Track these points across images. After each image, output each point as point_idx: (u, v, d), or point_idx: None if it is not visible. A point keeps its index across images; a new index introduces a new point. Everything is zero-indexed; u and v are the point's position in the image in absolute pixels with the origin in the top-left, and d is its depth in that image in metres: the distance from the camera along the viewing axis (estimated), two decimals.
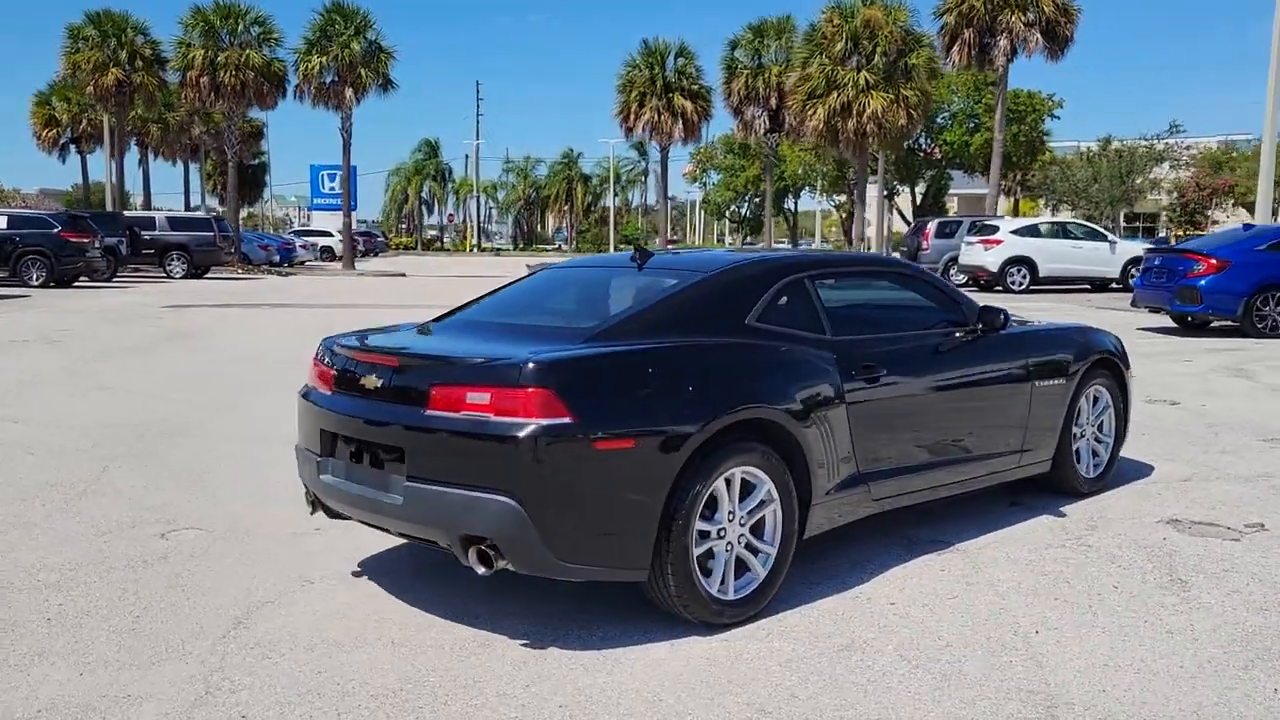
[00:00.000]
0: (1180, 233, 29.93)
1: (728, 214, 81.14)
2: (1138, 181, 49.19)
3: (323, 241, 56.79)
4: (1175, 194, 33.94)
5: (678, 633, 4.09)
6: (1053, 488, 6.02)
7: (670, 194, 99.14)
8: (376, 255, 63.72)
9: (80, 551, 5.11)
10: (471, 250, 79.02)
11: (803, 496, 4.42)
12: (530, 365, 3.79)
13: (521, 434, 3.71)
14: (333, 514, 4.60)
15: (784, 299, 4.69)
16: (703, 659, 3.88)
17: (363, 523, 4.41)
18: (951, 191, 55.04)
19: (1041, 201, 55.22)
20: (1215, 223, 44.23)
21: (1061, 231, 25.11)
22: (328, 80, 39.15)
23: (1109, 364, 6.21)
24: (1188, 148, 51.42)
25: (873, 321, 5.13)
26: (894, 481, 4.87)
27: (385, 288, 29.98)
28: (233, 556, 5.07)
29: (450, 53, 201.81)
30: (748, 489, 4.22)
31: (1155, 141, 50.06)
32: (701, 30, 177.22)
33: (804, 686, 3.64)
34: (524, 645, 3.99)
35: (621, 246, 77.05)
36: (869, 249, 35.22)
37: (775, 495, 4.28)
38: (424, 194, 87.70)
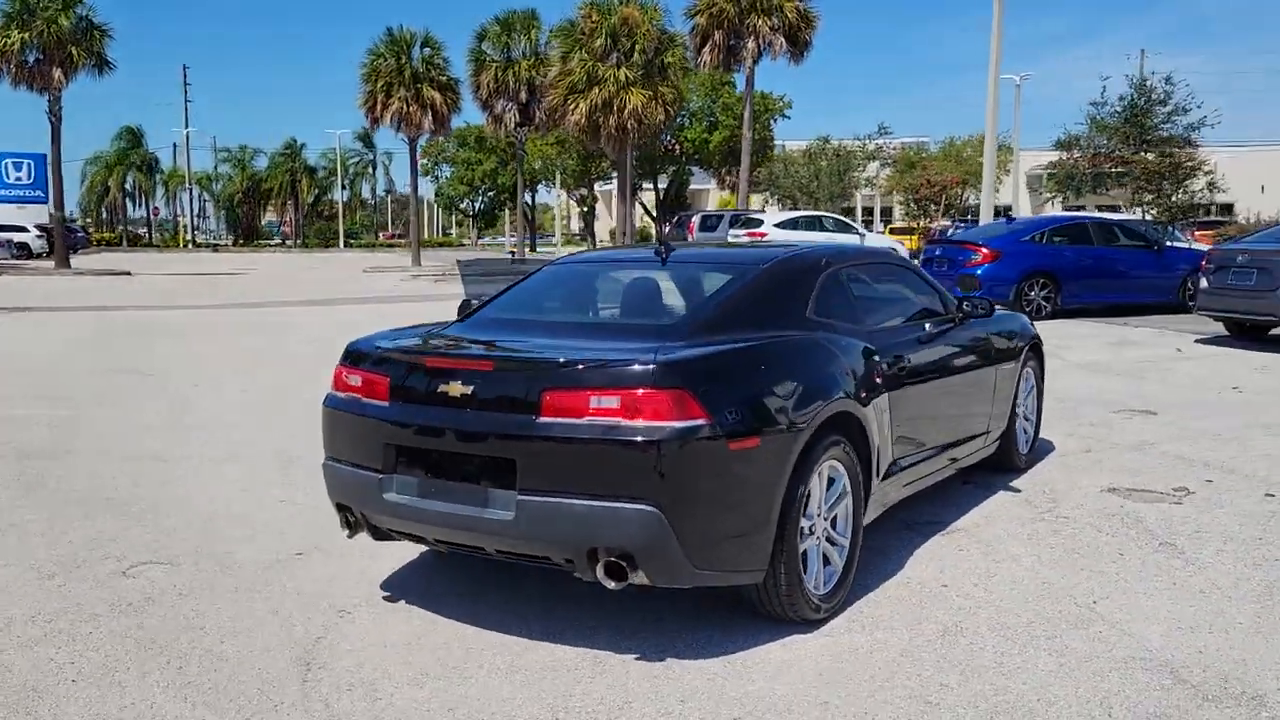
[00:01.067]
0: (943, 225, 32.60)
1: (461, 207, 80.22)
2: (853, 177, 53.00)
3: (17, 237, 51.08)
4: (910, 190, 36.92)
5: (775, 633, 4.03)
6: (991, 465, 6.39)
7: (392, 186, 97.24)
8: (77, 251, 58.02)
9: (41, 600, 4.39)
10: (186, 246, 73.63)
11: (866, 487, 4.48)
12: (664, 365, 3.62)
13: (662, 438, 3.53)
14: (381, 535, 4.20)
15: (829, 291, 4.73)
16: (826, 655, 3.84)
17: (442, 544, 4.05)
18: (692, 186, 57.14)
19: (765, 196, 58.36)
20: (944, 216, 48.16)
21: (818, 224, 26.64)
22: (30, 59, 35.24)
23: (1036, 348, 6.69)
24: (895, 148, 55.89)
25: (886, 312, 5.26)
26: (915, 468, 5.02)
27: (126, 288, 27.43)
28: (228, 590, 4.52)
29: (153, 34, 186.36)
30: (830, 483, 4.22)
31: (866, 141, 54.12)
32: (447, 21, 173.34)
33: (944, 674, 3.69)
34: (639, 659, 3.81)
35: (351, 241, 74.31)
36: (624, 243, 35.88)
37: (849, 488, 4.31)
38: (127, 185, 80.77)
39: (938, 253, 16.68)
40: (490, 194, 74.08)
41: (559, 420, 3.62)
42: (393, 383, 4.03)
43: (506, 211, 78.07)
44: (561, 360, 3.75)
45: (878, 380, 4.57)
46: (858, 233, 26.96)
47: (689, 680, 3.63)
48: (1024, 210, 39.19)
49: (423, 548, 4.91)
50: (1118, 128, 36.40)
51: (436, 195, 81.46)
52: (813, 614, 4.07)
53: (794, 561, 3.93)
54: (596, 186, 62.28)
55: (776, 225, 25.81)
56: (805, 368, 4.13)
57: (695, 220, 29.41)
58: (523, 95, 38.79)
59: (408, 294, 24.59)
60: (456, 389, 3.82)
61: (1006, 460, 6.38)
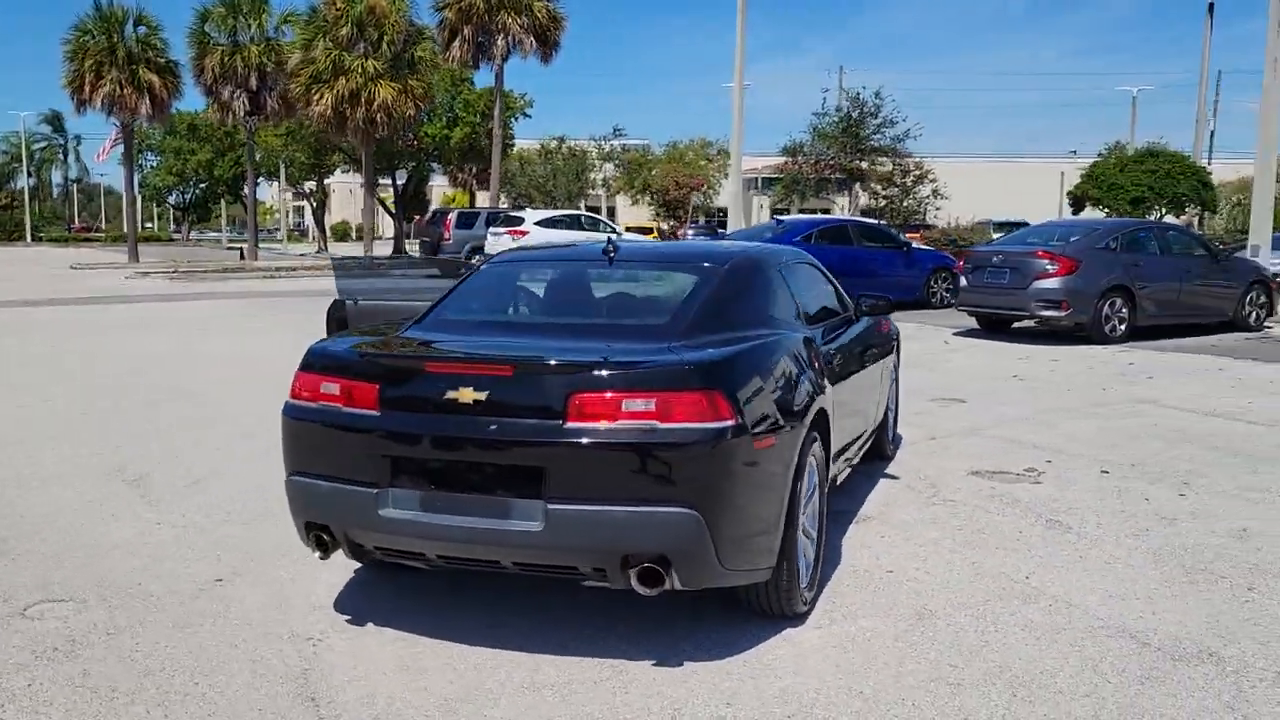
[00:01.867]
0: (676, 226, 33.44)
1: (169, 200, 74.70)
2: (589, 177, 54.00)
3: None
4: (658, 190, 37.67)
5: (767, 629, 4.09)
6: (867, 454, 6.75)
7: (84, 174, 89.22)
8: None
9: None
10: None
11: (828, 480, 4.63)
12: (697, 366, 3.60)
13: (697, 439, 3.51)
14: (362, 554, 3.92)
15: (778, 290, 4.83)
16: (830, 647, 3.95)
17: (447, 560, 3.80)
18: (432, 183, 55.97)
19: (501, 194, 58.28)
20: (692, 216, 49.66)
21: (576, 223, 26.92)
22: None
23: (899, 343, 7.13)
24: (624, 150, 57.36)
25: (814, 309, 5.42)
26: (842, 460, 5.24)
27: None
28: (164, 626, 4.07)
29: None
30: (809, 477, 4.33)
31: (602, 142, 55.27)
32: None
33: (946, 655, 3.88)
34: (658, 665, 3.76)
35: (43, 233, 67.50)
36: (365, 239, 34.73)
37: (818, 479, 4.45)
38: None
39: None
40: (203, 186, 69.40)
41: (588, 425, 3.52)
42: (384, 390, 3.76)
43: (224, 205, 73.52)
44: (590, 362, 3.63)
45: (829, 374, 4.74)
46: (613, 231, 27.46)
47: (719, 682, 3.63)
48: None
49: (353, 564, 4.64)
50: (836, 137, 39.19)
51: (141, 186, 75.42)
52: (802, 607, 4.17)
53: (794, 556, 4.01)
54: (327, 181, 59.82)
55: (537, 224, 25.86)
56: (797, 365, 4.23)
57: (452, 218, 28.94)
58: (253, 82, 36.59)
59: (150, 293, 22.69)
60: (468, 395, 3.62)
61: (879, 449, 6.75)
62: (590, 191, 54.77)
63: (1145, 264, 13.94)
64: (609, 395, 3.53)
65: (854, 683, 3.64)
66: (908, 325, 15.91)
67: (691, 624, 4.12)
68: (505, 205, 54.05)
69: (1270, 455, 7.18)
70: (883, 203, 28.61)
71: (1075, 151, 68.17)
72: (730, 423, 3.57)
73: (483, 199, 62.87)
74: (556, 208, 50.40)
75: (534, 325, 4.42)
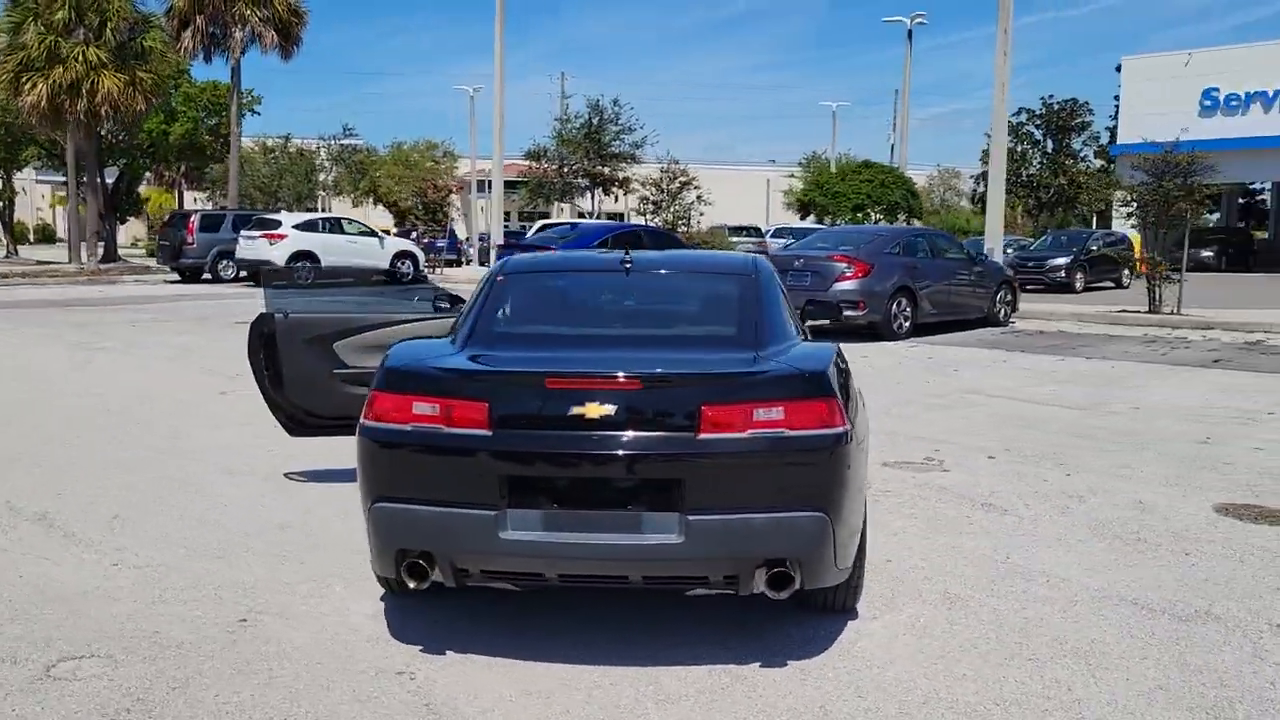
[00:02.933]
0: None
1: None
2: (321, 179, 51.86)
3: None
4: (415, 194, 36.62)
5: (826, 625, 4.28)
6: None
7: None
8: None
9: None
10: None
11: None
12: (818, 375, 3.76)
13: (825, 445, 3.67)
14: (465, 579, 3.77)
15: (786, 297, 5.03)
16: (900, 637, 4.17)
17: (571, 578, 3.75)
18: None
19: (210, 194, 54.88)
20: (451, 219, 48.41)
21: (338, 227, 25.87)
22: None
23: None
24: (355, 150, 55.54)
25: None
26: None
27: None
28: (227, 673, 3.76)
29: None
30: None
31: (331, 142, 53.20)
32: None
33: (1002, 633, 4.23)
34: (765, 667, 3.87)
35: None
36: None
37: None
38: None
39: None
40: None
41: (721, 435, 3.59)
42: (495, 408, 3.64)
43: None
44: (720, 374, 3.71)
45: None
46: (378, 236, 26.63)
47: (835, 677, 3.78)
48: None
49: (376, 593, 4.46)
50: (579, 143, 39.90)
51: None
52: (855, 602, 4.40)
53: (864, 553, 4.24)
54: (16, 178, 53.91)
55: (295, 226, 24.65)
56: (849, 371, 4.45)
57: (195, 220, 26.92)
58: None
59: None
60: (596, 410, 3.59)
61: None
62: (319, 194, 52.58)
63: (922, 266, 15.29)
64: (740, 405, 3.61)
65: (949, 666, 3.90)
66: None
67: (756, 626, 4.23)
68: (219, 207, 51.07)
69: (1107, 437, 8.15)
70: (650, 208, 29.43)
71: (774, 161, 73.28)
72: (844, 428, 3.75)
73: (190, 201, 58.99)
74: (281, 210, 48.22)
75: (608, 338, 4.38)
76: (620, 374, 3.69)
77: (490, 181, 59.29)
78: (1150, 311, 18.09)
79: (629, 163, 39.98)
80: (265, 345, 6.13)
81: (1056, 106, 46.54)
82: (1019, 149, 48.17)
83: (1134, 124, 43.61)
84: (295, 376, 6.09)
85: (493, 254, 27.02)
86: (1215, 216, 47.86)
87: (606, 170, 39.98)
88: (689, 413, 3.60)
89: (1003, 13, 19.45)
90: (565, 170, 40.02)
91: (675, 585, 3.80)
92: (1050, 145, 47.30)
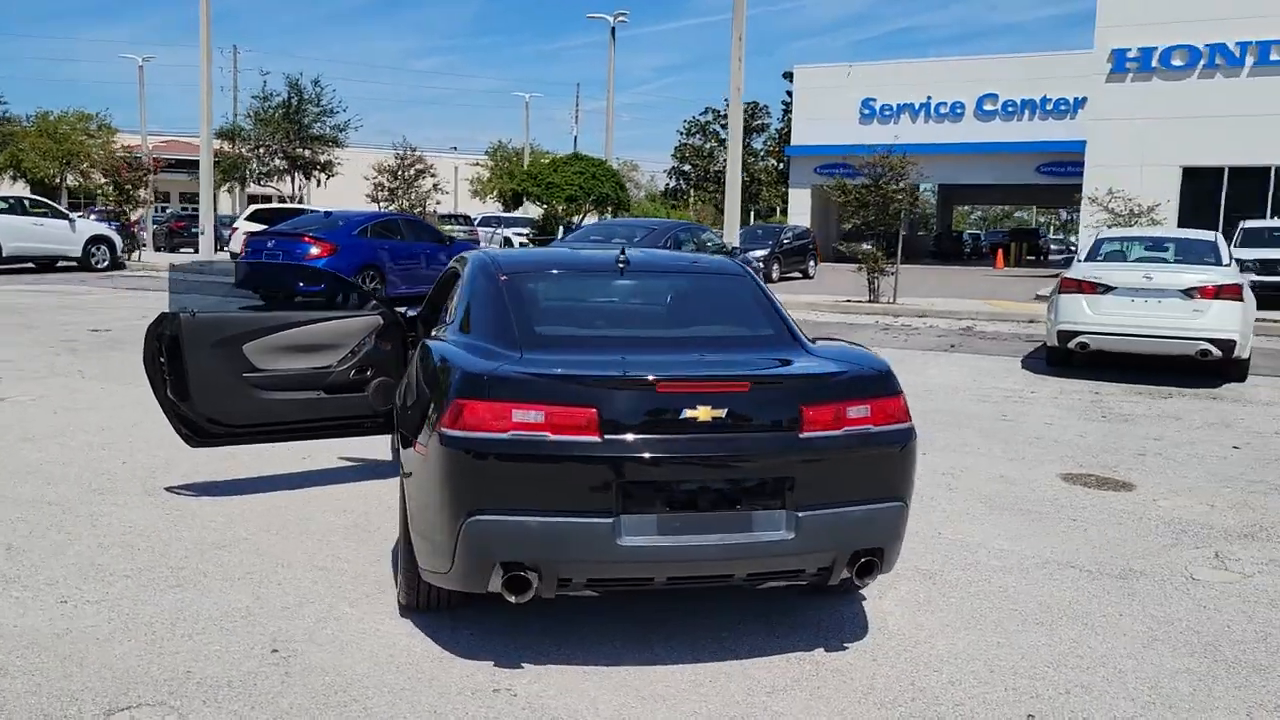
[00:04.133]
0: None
1: None
2: None
3: None
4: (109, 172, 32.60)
5: (843, 603, 4.58)
6: None
7: None
8: None
9: None
10: None
11: None
12: (887, 374, 4.00)
13: (901, 438, 3.93)
14: (565, 589, 3.69)
15: None
16: (925, 610, 4.51)
17: (680, 580, 3.78)
18: None
19: None
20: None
21: (20, 207, 22.97)
22: None
23: None
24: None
25: None
26: None
27: None
28: (309, 710, 3.48)
29: None
30: None
31: None
32: None
33: (1022, 601, 4.70)
34: (829, 652, 4.09)
35: None
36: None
37: None
38: None
39: (270, 245, 16.24)
40: None
41: (819, 434, 3.76)
42: (604, 414, 3.60)
43: None
44: (817, 374, 3.87)
45: None
46: (69, 218, 23.91)
47: (895, 658, 4.04)
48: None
49: (389, 607, 4.28)
50: (280, 123, 37.87)
51: None
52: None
53: None
54: None
55: None
56: None
57: None
58: None
59: None
60: (707, 413, 3.64)
61: None
62: None
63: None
64: (835, 404, 3.80)
65: (981, 635, 4.28)
66: None
67: (784, 615, 4.42)
68: None
69: (929, 417, 9.00)
70: (385, 194, 28.27)
71: (456, 148, 73.21)
72: (912, 422, 4.04)
73: None
74: None
75: (662, 339, 4.42)
76: (729, 376, 3.77)
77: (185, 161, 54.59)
78: (871, 301, 19.87)
79: (332, 146, 38.45)
80: (169, 348, 5.55)
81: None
82: (707, 146, 51.05)
83: (805, 128, 47.61)
84: (202, 382, 5.56)
85: (235, 242, 24.99)
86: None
87: (307, 153, 38.22)
88: (791, 413, 3.75)
89: (737, 17, 20.55)
90: (263, 151, 37.82)
91: (774, 580, 3.92)
92: None
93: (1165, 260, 12.32)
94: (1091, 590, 4.84)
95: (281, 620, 4.20)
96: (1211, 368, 11.34)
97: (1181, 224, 30.28)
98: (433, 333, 4.98)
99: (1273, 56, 32.42)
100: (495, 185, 51.63)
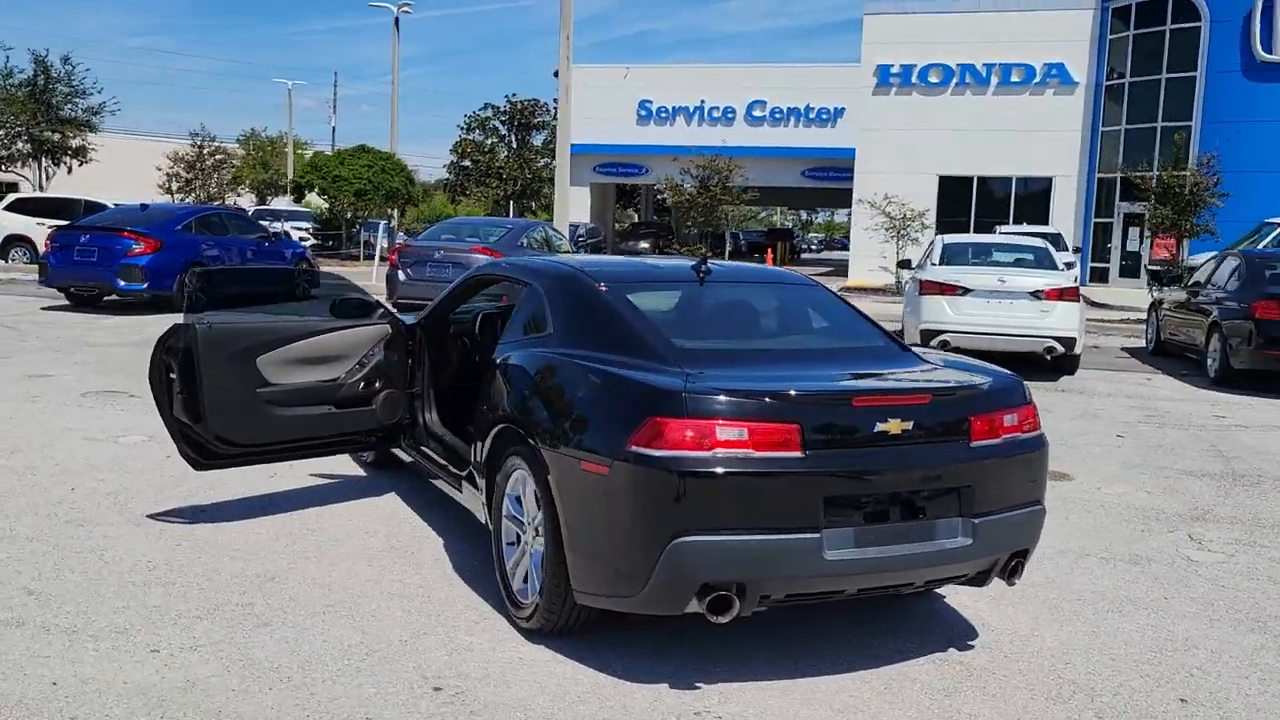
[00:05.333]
0: None
1: None
2: None
3: None
4: None
5: (915, 611, 4.78)
6: None
7: None
8: None
9: None
10: None
11: None
12: (1023, 384, 4.18)
13: (1041, 444, 4.16)
14: (757, 605, 3.65)
15: None
16: (1018, 615, 4.71)
17: (867, 591, 3.83)
18: None
19: None
20: None
21: None
22: None
23: None
24: None
25: None
26: None
27: None
28: None
29: None
30: None
31: None
32: None
33: (1075, 597, 5.01)
34: (960, 653, 4.26)
35: None
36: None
37: None
38: None
39: (84, 239, 14.74)
40: None
41: (985, 442, 3.91)
42: (806, 429, 3.58)
43: None
44: (976, 385, 3.99)
45: None
46: None
47: (1024, 656, 4.25)
48: None
49: (506, 632, 4.13)
50: (25, 103, 34.42)
51: None
52: None
53: None
54: None
55: None
56: None
57: None
58: None
59: None
60: (897, 426, 3.70)
61: None
62: None
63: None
64: (995, 414, 3.96)
65: (1072, 625, 4.57)
66: None
67: (885, 619, 4.55)
68: None
69: None
70: (180, 185, 26.04)
71: (199, 134, 68.95)
72: (1042, 428, 4.26)
73: None
74: None
75: (803, 351, 4.47)
76: (913, 390, 3.86)
77: None
78: None
79: (85, 130, 35.29)
80: (183, 361, 5.02)
81: (520, 105, 49.48)
82: (488, 142, 50.49)
83: (583, 126, 48.08)
84: (217, 399, 5.07)
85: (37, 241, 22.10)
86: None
87: (57, 137, 34.90)
88: (963, 423, 3.88)
89: (564, 18, 20.52)
90: (2, 134, 34.19)
91: (943, 585, 4.03)
92: (515, 140, 50.19)
93: (1004, 264, 13.35)
94: (1123, 577, 5.24)
95: (413, 655, 3.93)
96: (1049, 363, 12.41)
97: (939, 229, 32.85)
98: (503, 344, 4.79)
99: (1013, 78, 35.53)
100: (248, 175, 48.82)
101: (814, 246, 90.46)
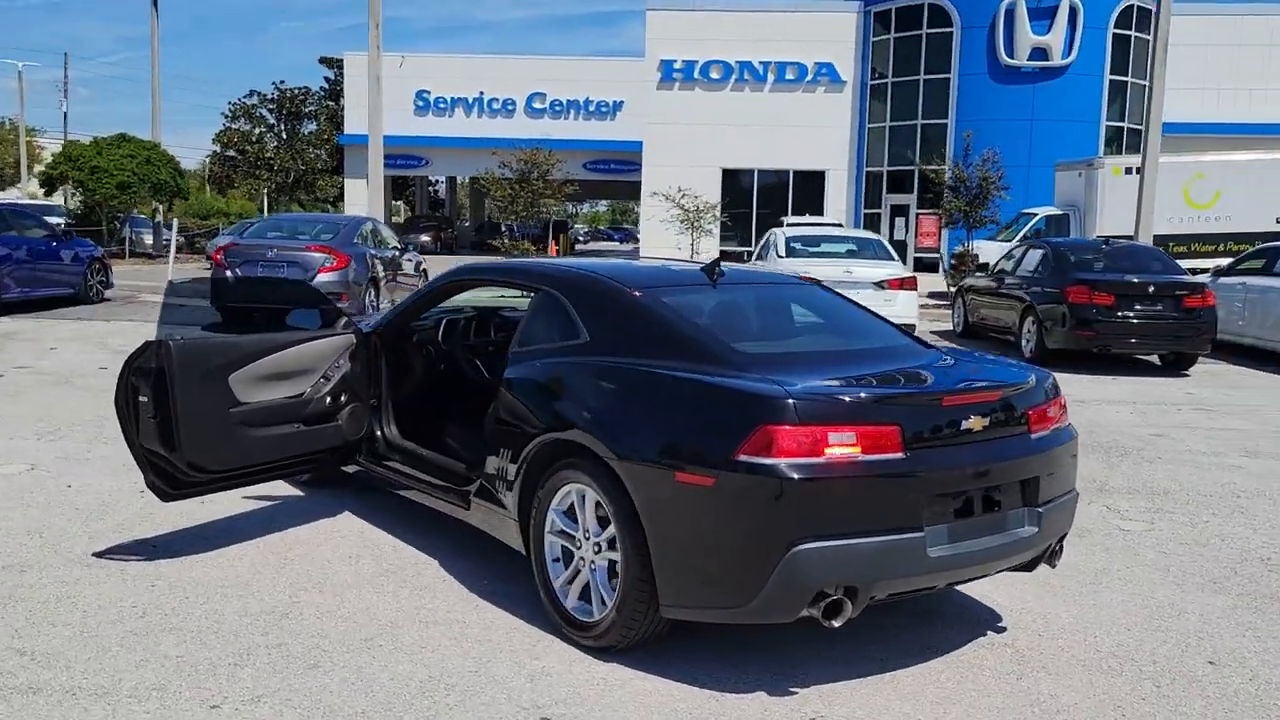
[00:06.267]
0: None
1: None
2: None
3: None
4: None
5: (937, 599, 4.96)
6: None
7: None
8: None
9: None
10: None
11: None
12: (1055, 377, 4.40)
13: (1075, 434, 4.39)
14: (858, 607, 3.67)
15: None
16: (1052, 600, 4.86)
17: (952, 584, 3.92)
18: None
19: None
20: None
21: None
22: None
23: None
24: None
25: None
26: None
27: None
28: None
29: None
30: None
31: None
32: None
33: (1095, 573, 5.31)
34: (1005, 648, 4.44)
35: None
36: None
37: None
38: None
39: None
40: None
41: (1041, 434, 4.09)
42: (906, 430, 3.63)
43: None
44: (1025, 380, 4.15)
45: None
46: None
47: (1060, 635, 4.46)
48: None
49: (561, 649, 4.03)
50: None
51: None
52: None
53: None
54: None
55: None
56: None
57: None
58: None
59: None
60: (979, 423, 3.82)
61: None
62: None
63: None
64: (1044, 407, 4.15)
65: (1094, 600, 4.87)
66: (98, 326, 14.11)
67: (906, 611, 4.71)
68: None
69: None
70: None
71: None
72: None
73: None
74: None
75: (844, 353, 4.43)
76: (987, 387, 3.99)
77: None
78: None
79: None
80: (154, 381, 4.52)
81: (290, 93, 47.18)
82: (255, 131, 47.83)
83: (359, 117, 46.42)
84: (193, 422, 4.60)
85: None
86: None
87: None
88: (1024, 417, 4.04)
89: (373, 6, 19.71)
90: None
91: (999, 573, 4.18)
92: (285, 130, 47.81)
93: (840, 255, 13.97)
94: (1078, 550, 5.56)
95: (496, 686, 3.72)
96: None
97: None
98: (520, 352, 4.59)
99: (788, 75, 37.08)
100: (52, 170, 43.73)
101: (582, 238, 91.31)
